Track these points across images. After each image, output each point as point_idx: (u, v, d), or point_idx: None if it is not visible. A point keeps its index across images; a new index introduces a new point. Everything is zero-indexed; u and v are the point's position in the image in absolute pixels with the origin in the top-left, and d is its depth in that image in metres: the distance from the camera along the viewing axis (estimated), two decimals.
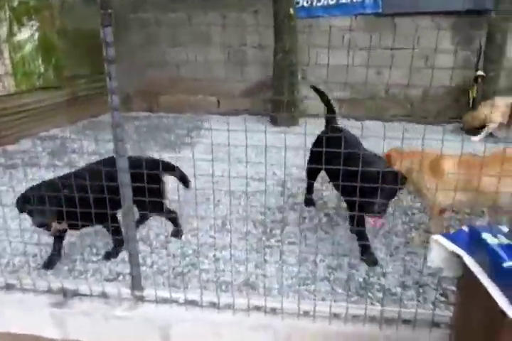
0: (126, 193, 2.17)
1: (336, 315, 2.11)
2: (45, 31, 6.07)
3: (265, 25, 6.14)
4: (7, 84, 5.51)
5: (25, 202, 2.55)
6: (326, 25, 6.14)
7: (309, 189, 3.66)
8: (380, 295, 2.48)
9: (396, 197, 2.75)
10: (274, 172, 4.32)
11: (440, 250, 1.70)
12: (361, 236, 2.83)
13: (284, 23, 5.96)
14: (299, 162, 3.30)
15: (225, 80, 6.73)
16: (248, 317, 2.17)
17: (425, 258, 1.81)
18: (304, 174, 3.64)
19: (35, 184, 2.63)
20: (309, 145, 3.26)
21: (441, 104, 5.90)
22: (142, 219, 3.28)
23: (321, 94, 3.52)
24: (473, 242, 1.59)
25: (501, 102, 5.17)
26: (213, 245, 2.84)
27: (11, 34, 5.53)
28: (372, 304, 2.36)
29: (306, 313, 2.14)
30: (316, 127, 3.40)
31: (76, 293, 2.35)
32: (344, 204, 3.05)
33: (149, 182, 2.26)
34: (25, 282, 2.39)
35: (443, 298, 2.47)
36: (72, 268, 2.82)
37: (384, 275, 2.68)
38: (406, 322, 2.06)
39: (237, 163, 3.48)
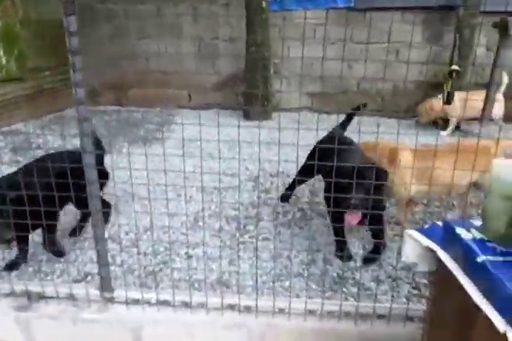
0: (94, 191, 2.08)
1: (311, 312, 2.09)
2: (6, 21, 5.77)
3: (237, 17, 6.04)
4: None
5: None
6: (298, 19, 6.10)
7: (293, 186, 3.51)
8: (354, 290, 2.48)
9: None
10: (247, 167, 4.26)
11: (415, 245, 1.69)
12: (339, 232, 2.79)
13: (256, 16, 5.89)
14: (272, 157, 3.26)
15: (196, 73, 6.60)
16: (222, 317, 2.13)
17: (398, 253, 1.81)
18: (276, 168, 3.59)
19: None
20: (283, 140, 3.18)
21: (412, 98, 5.96)
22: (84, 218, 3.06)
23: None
24: (448, 237, 1.59)
25: (456, 96, 5.31)
26: (185, 242, 2.78)
27: None
28: (346, 299, 2.36)
29: (281, 311, 2.11)
30: (289, 121, 3.37)
31: (42, 296, 2.25)
32: (318, 199, 3.03)
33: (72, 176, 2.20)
34: None
35: (416, 291, 2.49)
36: (37, 269, 2.71)
37: (358, 269, 2.68)
38: (381, 317, 2.06)
39: (209, 158, 3.42)
